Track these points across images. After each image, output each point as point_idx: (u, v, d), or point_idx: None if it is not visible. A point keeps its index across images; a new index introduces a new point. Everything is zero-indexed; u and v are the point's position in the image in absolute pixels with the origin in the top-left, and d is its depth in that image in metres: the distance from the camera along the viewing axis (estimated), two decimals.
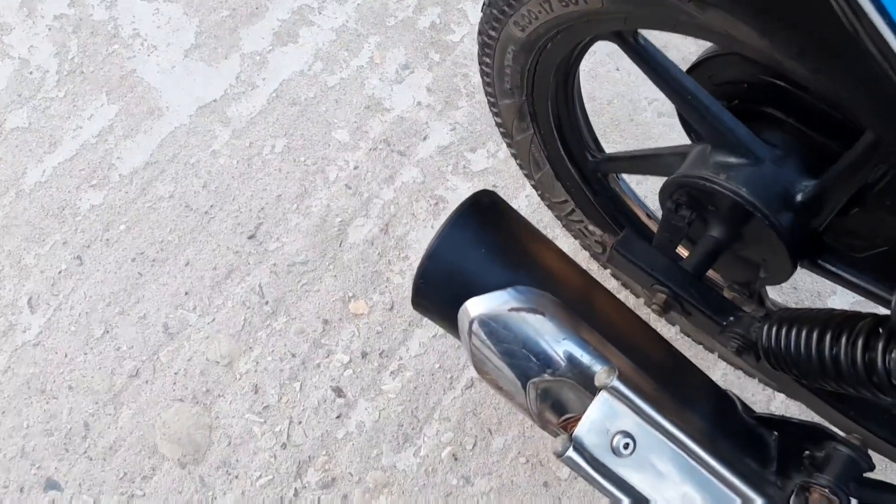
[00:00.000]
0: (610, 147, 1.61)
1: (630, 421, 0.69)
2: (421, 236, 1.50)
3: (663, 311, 0.95)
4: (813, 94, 0.76)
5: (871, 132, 0.67)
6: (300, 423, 1.33)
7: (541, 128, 1.07)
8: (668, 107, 1.60)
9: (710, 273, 1.12)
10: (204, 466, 1.30)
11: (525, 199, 1.56)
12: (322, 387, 1.36)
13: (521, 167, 1.18)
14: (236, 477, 1.29)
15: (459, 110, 1.64)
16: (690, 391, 0.81)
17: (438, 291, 0.79)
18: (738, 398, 0.82)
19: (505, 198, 1.55)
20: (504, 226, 0.83)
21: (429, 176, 1.57)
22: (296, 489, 1.29)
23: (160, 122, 1.62)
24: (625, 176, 1.24)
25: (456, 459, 1.30)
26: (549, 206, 1.25)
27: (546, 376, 0.75)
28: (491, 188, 1.58)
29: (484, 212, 0.82)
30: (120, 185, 1.55)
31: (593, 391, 0.72)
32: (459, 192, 1.56)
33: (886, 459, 1.01)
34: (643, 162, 1.06)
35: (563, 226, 1.28)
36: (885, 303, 0.79)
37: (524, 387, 0.77)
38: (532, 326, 0.75)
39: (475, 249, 0.78)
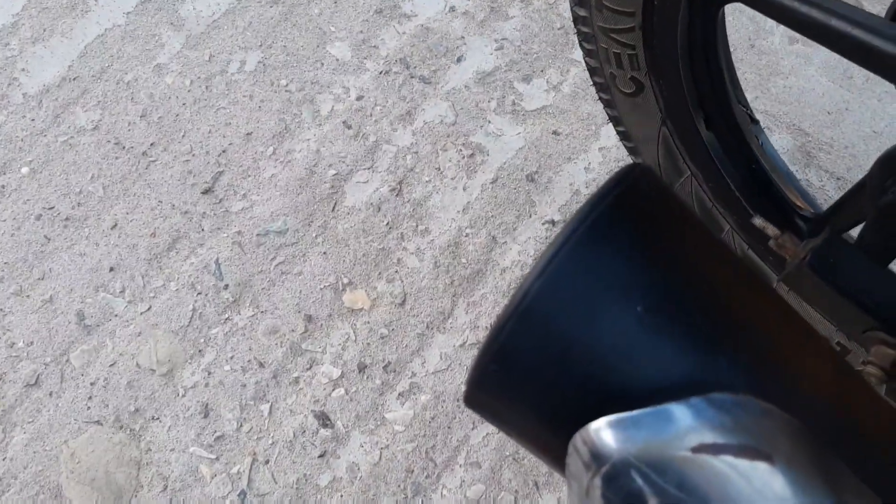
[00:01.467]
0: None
1: None
2: (448, 201, 1.27)
3: (889, 376, 0.65)
4: None
5: None
6: (267, 462, 1.12)
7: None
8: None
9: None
10: None
11: (598, 154, 1.30)
12: (301, 412, 1.15)
13: None
14: None
15: (509, 21, 1.45)
16: None
17: (527, 386, 0.42)
18: None
19: (570, 152, 1.28)
20: (684, 251, 0.45)
21: (462, 114, 1.36)
22: None
23: (85, 21, 1.46)
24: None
25: None
26: (577, 4, 0.91)
27: None
28: (549, 134, 1.30)
29: (645, 217, 0.43)
30: (24, 108, 1.38)
31: None
32: (505, 139, 1.33)
33: None
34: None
35: (582, 35, 0.93)
36: None
37: None
38: (746, 485, 0.38)
39: (623, 299, 0.40)
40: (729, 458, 0.38)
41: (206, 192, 1.30)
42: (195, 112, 1.37)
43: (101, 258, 1.25)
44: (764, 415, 0.39)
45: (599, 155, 1.29)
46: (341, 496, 1.11)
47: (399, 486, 1.11)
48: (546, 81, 1.38)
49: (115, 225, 1.27)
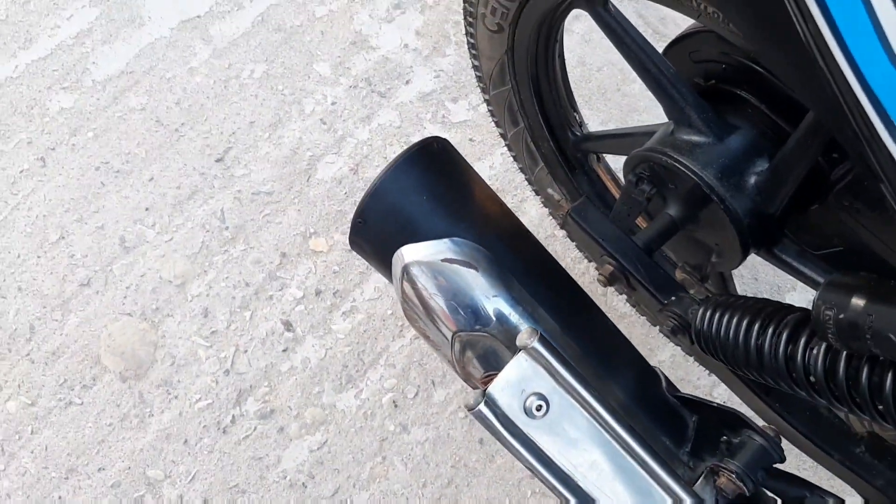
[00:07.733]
0: (593, 117, 1.58)
1: (546, 384, 0.68)
2: None
3: (608, 282, 0.96)
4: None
5: (812, 111, 0.66)
6: (246, 351, 1.33)
7: (520, 87, 1.04)
8: None
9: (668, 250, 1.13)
10: (145, 383, 1.30)
11: (500, 157, 1.53)
12: (272, 319, 1.36)
13: (496, 124, 1.16)
14: (175, 397, 1.30)
15: (446, 58, 1.62)
16: (615, 362, 0.81)
17: (376, 232, 0.78)
18: (664, 376, 0.82)
19: (480, 154, 1.55)
20: (451, 175, 0.82)
21: (406, 121, 1.54)
22: (233, 416, 1.29)
23: (140, 31, 1.58)
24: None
25: (396, 406, 1.31)
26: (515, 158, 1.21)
27: (472, 331, 0.74)
28: (467, 140, 1.55)
29: (432, 158, 0.81)
30: (92, 90, 1.52)
31: (515, 350, 0.71)
32: None
33: (810, 460, 1.02)
34: (618, 141, 1.05)
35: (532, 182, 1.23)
36: None
37: (450, 339, 0.76)
38: (464, 279, 0.75)
39: (418, 195, 0.77)
40: (456, 266, 0.79)
41: (218, 160, 1.47)
42: (215, 104, 1.51)
43: (140, 201, 1.42)
44: (476, 250, 0.79)
45: (501, 158, 1.52)
46: (296, 379, 1.32)
47: (337, 375, 1.32)
48: (468, 103, 1.57)
49: (152, 178, 1.45)
